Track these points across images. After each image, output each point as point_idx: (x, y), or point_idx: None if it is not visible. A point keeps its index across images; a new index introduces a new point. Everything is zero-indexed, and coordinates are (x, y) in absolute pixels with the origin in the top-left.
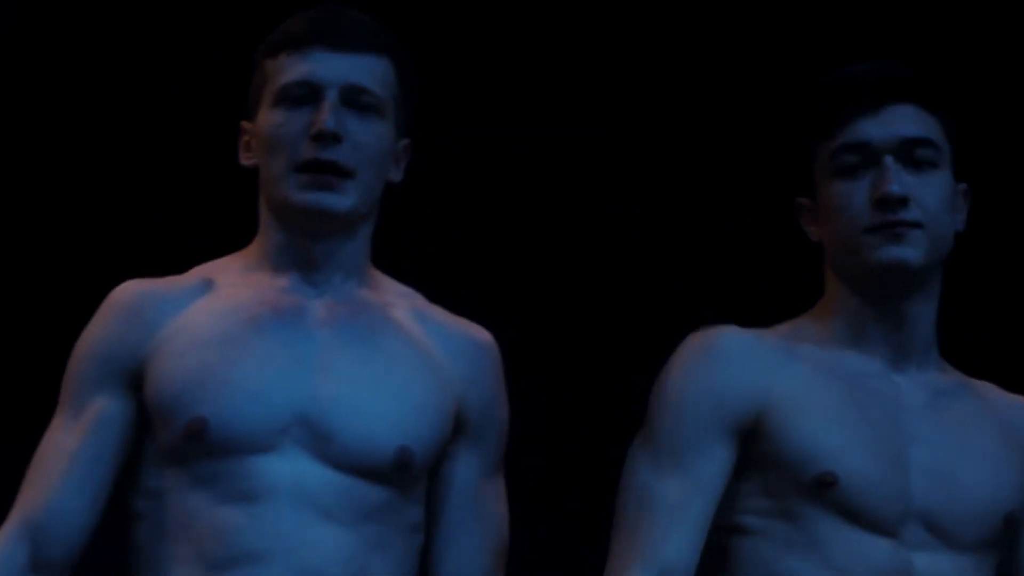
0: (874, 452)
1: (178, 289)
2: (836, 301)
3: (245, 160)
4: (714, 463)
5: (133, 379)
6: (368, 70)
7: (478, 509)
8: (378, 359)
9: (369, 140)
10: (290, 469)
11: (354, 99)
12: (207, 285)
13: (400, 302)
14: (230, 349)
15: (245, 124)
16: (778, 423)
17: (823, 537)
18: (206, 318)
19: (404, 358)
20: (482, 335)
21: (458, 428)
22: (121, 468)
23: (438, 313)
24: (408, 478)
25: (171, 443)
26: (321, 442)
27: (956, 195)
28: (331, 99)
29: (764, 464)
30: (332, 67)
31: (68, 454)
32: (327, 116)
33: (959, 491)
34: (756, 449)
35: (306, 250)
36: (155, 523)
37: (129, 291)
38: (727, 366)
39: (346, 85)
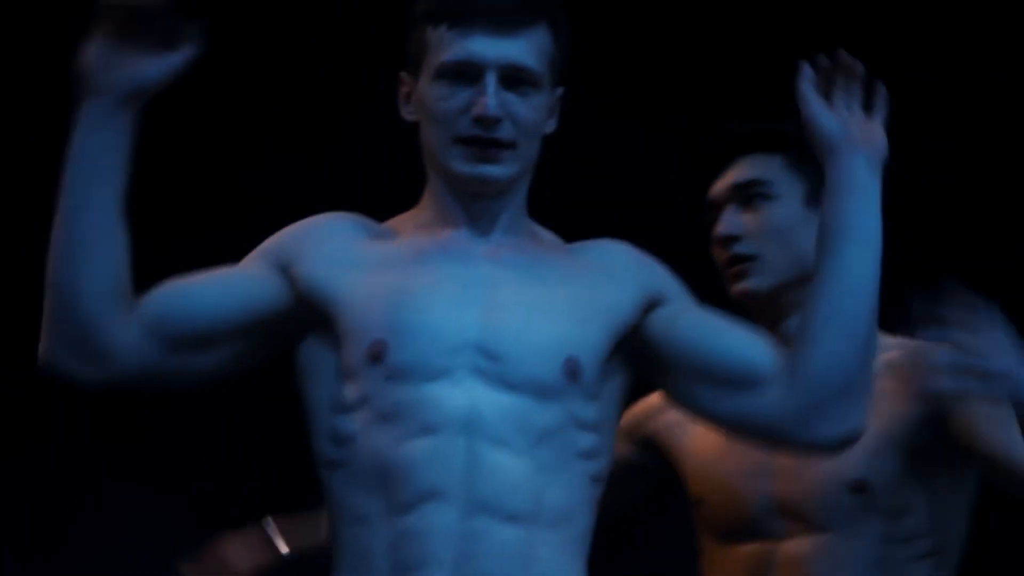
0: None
1: (367, 227)
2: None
3: (407, 114)
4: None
5: (293, 283)
6: (526, 47)
7: (716, 319)
8: (541, 285)
9: (527, 114)
10: (464, 397)
11: (513, 77)
12: (389, 231)
13: (553, 241)
14: (405, 279)
15: (404, 76)
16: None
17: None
18: (384, 253)
19: (567, 281)
20: (621, 243)
21: (656, 304)
22: (243, 325)
23: (581, 244)
24: (578, 392)
25: (354, 364)
26: (492, 363)
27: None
28: (491, 81)
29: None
30: (492, 47)
31: (210, 272)
32: (489, 100)
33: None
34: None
35: (468, 208)
36: (348, 471)
37: (331, 217)
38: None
39: (506, 65)
